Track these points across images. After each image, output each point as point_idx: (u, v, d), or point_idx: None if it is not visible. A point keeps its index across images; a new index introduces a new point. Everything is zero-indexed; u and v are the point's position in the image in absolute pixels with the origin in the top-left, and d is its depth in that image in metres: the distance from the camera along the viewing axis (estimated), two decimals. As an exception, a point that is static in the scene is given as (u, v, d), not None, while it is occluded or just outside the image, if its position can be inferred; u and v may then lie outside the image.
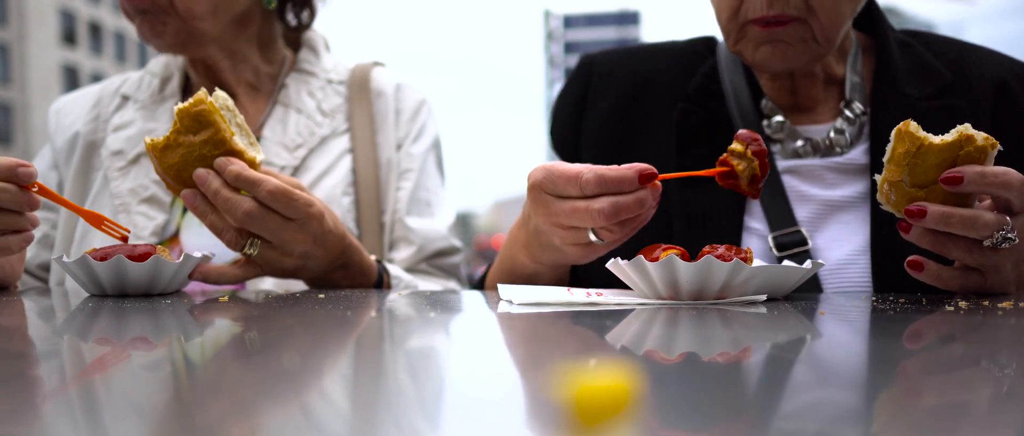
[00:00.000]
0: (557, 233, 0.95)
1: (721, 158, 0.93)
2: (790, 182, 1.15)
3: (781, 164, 1.16)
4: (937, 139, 0.84)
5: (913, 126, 0.85)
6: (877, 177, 0.90)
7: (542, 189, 0.93)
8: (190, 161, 1.03)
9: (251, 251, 1.07)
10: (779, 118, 1.18)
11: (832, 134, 1.16)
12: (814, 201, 1.14)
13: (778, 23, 1.06)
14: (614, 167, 0.88)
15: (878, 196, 0.91)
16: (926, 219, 0.85)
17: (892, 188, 0.88)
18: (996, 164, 0.86)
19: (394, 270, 1.32)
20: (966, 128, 0.84)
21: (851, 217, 1.12)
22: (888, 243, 1.07)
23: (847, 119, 1.16)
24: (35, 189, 1.02)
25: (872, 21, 1.23)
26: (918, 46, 1.19)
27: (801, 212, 1.13)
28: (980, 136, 0.84)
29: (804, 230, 1.10)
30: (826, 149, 1.16)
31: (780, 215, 1.11)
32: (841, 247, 1.10)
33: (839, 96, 1.19)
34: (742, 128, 1.13)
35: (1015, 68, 1.18)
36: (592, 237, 0.93)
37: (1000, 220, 0.85)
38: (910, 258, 0.91)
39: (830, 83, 1.19)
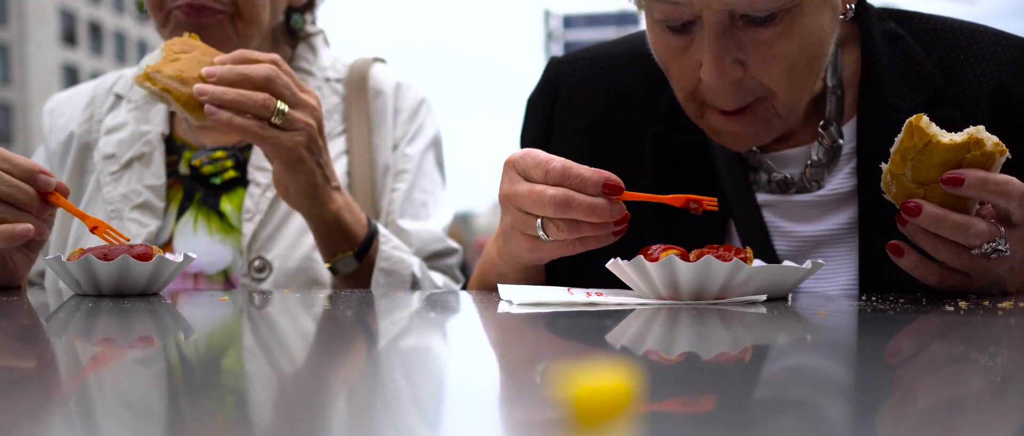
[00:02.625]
0: (511, 213, 0.94)
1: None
2: (768, 217, 1.09)
3: (760, 198, 1.10)
4: (946, 138, 0.83)
5: (925, 121, 0.84)
6: (883, 165, 0.89)
7: (514, 167, 0.93)
8: (192, 66, 1.10)
9: (278, 120, 1.10)
10: (754, 147, 1.10)
11: (809, 169, 1.08)
12: (795, 237, 1.08)
13: (738, 112, 1.00)
14: (586, 167, 0.87)
15: (881, 184, 0.90)
16: (920, 218, 0.84)
17: (894, 180, 0.88)
18: (1003, 172, 0.84)
19: (385, 234, 1.30)
20: (977, 130, 0.83)
21: (837, 251, 1.07)
22: (878, 281, 1.03)
23: (824, 147, 1.08)
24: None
25: (856, 13, 1.10)
26: (909, 40, 1.09)
27: (781, 246, 1.08)
28: (990, 141, 0.83)
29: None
30: (802, 186, 1.08)
31: (758, 250, 1.06)
32: (826, 284, 1.07)
33: (817, 111, 1.10)
34: (718, 152, 1.10)
35: (1017, 60, 1.06)
36: (540, 232, 0.91)
37: (993, 231, 0.84)
38: (892, 242, 0.90)
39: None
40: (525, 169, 0.91)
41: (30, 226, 1.01)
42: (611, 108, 1.18)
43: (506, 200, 0.93)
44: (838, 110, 1.09)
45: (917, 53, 1.08)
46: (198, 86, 1.07)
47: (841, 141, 1.08)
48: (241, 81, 1.08)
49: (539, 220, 0.90)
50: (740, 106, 0.98)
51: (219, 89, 1.07)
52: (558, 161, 0.88)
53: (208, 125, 1.43)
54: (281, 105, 1.09)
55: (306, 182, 1.15)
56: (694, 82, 0.99)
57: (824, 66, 1.02)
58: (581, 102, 1.21)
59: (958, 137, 0.83)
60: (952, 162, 0.83)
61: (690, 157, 1.12)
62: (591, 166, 1.08)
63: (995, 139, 0.83)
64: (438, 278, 1.40)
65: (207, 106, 1.07)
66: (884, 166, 0.89)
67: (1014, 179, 0.82)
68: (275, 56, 1.12)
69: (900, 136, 0.86)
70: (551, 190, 0.87)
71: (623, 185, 0.87)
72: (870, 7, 1.13)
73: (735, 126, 1.01)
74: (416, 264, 1.32)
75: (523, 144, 1.26)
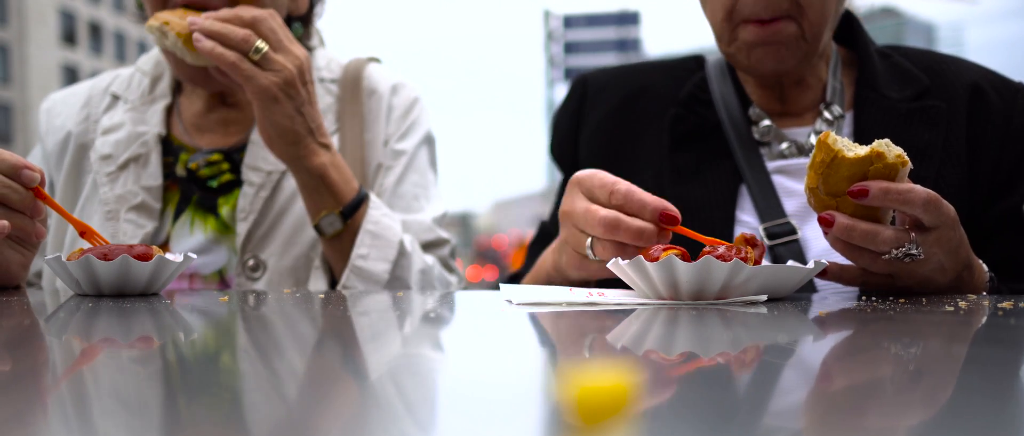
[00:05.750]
0: (566, 229, 0.99)
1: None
2: (778, 180, 1.20)
3: (770, 165, 1.22)
4: (850, 153, 0.88)
5: (832, 138, 0.88)
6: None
7: (579, 185, 0.98)
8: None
9: (256, 56, 1.16)
10: (767, 123, 1.24)
11: (812, 138, 1.22)
12: (801, 196, 1.18)
13: (771, 21, 1.12)
14: (649, 195, 0.92)
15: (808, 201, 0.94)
16: (834, 229, 0.89)
17: (811, 194, 0.92)
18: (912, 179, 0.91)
19: (376, 201, 1.30)
20: (879, 144, 0.88)
21: None
22: None
23: (826, 121, 1.23)
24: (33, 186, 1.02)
25: (853, 36, 1.30)
26: (897, 57, 1.26)
27: (789, 205, 1.18)
28: (892, 153, 0.87)
29: (793, 222, 1.16)
30: (809, 150, 1.21)
31: (770, 208, 1.17)
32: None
33: (820, 99, 1.26)
34: (731, 133, 1.22)
35: (988, 75, 1.24)
36: (588, 251, 0.95)
37: (901, 237, 0.89)
38: (824, 268, 0.95)
39: (815, 88, 1.26)
40: (590, 189, 0.96)
41: (5, 222, 0.99)
42: (635, 97, 1.32)
43: (564, 216, 1.00)
44: (839, 99, 1.24)
45: (904, 63, 1.25)
46: (191, 17, 1.17)
47: (842, 116, 1.23)
48: (231, 19, 1.16)
49: (589, 239, 0.95)
50: (773, 16, 1.12)
51: (208, 22, 1.15)
52: (624, 184, 0.93)
53: (206, 120, 1.44)
54: (261, 44, 1.16)
55: (284, 126, 1.18)
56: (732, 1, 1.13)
57: (841, 8, 1.19)
58: (608, 95, 1.35)
59: (861, 151, 0.88)
60: (858, 175, 0.88)
61: (705, 134, 1.24)
62: (615, 142, 1.31)
63: (897, 151, 0.88)
64: (429, 258, 1.38)
65: (194, 34, 1.15)
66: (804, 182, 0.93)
67: (917, 187, 0.88)
68: (271, 10, 1.20)
69: (813, 152, 0.91)
70: (603, 211, 0.92)
71: (680, 217, 0.91)
72: (866, 34, 1.29)
73: (767, 36, 1.13)
74: (407, 237, 1.31)
75: (553, 138, 1.41)
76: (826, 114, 1.23)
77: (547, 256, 1.16)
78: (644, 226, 0.90)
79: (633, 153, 1.28)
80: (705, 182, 1.20)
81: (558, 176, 1.42)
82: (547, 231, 1.36)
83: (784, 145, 1.22)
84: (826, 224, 0.90)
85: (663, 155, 1.24)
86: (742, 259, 0.82)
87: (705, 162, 1.22)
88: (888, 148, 0.88)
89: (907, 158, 0.88)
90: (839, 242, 0.92)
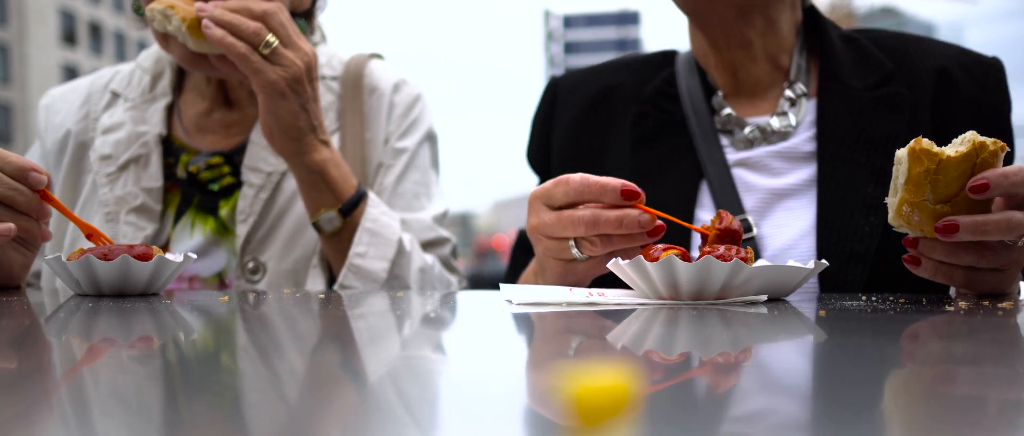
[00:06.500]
0: (543, 243, 0.99)
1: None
2: (739, 174, 1.20)
3: (731, 157, 1.21)
4: (952, 151, 0.86)
5: (926, 143, 0.86)
6: (890, 201, 0.90)
7: (537, 199, 0.98)
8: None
9: (266, 50, 1.16)
10: (727, 111, 1.24)
11: (774, 120, 1.21)
12: (761, 190, 1.19)
13: None
14: (603, 178, 0.92)
15: (891, 219, 0.90)
16: (960, 233, 0.85)
17: (914, 208, 0.88)
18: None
19: (375, 200, 1.29)
20: (974, 136, 0.86)
21: (796, 203, 1.17)
22: (833, 224, 1.13)
23: (789, 100, 1.22)
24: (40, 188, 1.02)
25: (816, 25, 1.28)
26: (863, 41, 1.24)
27: (748, 201, 1.18)
28: (989, 141, 0.86)
29: (751, 218, 1.15)
30: (771, 134, 1.21)
31: (728, 204, 1.17)
32: (786, 231, 1.16)
33: (782, 80, 1.25)
34: (695, 126, 1.23)
35: (959, 56, 1.21)
36: (574, 251, 0.95)
37: None
38: (907, 255, 0.92)
39: (775, 69, 1.25)
40: (548, 195, 0.96)
41: (12, 226, 0.99)
42: (603, 98, 1.33)
43: (535, 232, 0.99)
44: (804, 78, 1.24)
45: (869, 48, 1.23)
46: (199, 3, 1.17)
47: (805, 94, 1.22)
48: (241, 10, 1.16)
49: (572, 241, 0.95)
50: None
51: (218, 11, 1.15)
52: (575, 176, 0.94)
53: (207, 121, 1.43)
54: (271, 38, 1.16)
55: (288, 122, 1.18)
56: None
57: None
58: (578, 97, 1.35)
59: (962, 147, 0.86)
60: (967, 171, 0.86)
61: (669, 131, 1.25)
62: (583, 145, 1.32)
63: (992, 139, 0.86)
64: (429, 257, 1.37)
65: (204, 21, 1.15)
66: (891, 201, 0.90)
67: (1020, 166, 0.86)
68: (279, 4, 1.20)
69: (903, 166, 0.88)
70: (580, 211, 0.92)
71: (640, 192, 0.91)
72: (828, 21, 1.28)
73: None
74: (407, 236, 1.30)
75: (530, 138, 1.41)
76: (788, 92, 1.22)
77: (528, 281, 1.16)
78: (624, 213, 0.90)
79: (600, 153, 1.29)
80: (666, 180, 1.20)
81: None
82: (527, 237, 1.36)
83: (747, 129, 1.22)
84: (949, 232, 0.85)
85: (623, 157, 1.24)
86: (742, 259, 0.82)
87: (668, 159, 1.22)
88: (981, 138, 0.86)
89: (1003, 143, 0.86)
90: (961, 250, 0.88)
